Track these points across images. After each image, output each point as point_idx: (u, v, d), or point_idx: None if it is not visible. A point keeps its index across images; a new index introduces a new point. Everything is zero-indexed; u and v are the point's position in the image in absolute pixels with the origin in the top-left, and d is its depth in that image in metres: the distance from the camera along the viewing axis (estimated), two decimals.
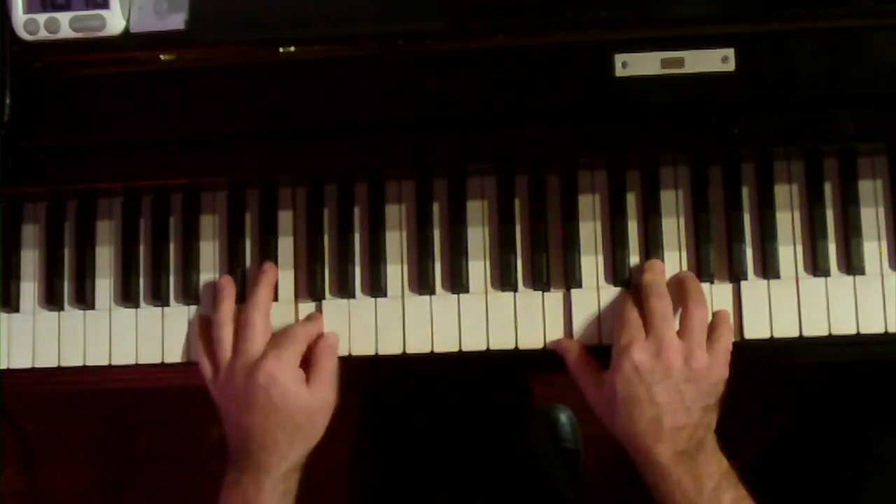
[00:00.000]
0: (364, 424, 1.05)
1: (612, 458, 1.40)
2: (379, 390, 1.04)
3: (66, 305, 0.90)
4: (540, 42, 0.80)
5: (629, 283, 0.84)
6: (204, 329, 0.86)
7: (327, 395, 0.82)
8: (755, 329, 0.83)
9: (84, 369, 0.89)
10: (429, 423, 1.00)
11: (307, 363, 0.83)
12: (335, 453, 0.92)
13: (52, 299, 0.90)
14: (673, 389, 0.76)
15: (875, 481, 0.89)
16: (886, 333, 0.82)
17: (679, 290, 0.82)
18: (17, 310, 0.91)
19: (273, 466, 0.80)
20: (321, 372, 0.83)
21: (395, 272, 0.87)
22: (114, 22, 0.81)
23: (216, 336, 0.84)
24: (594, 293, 0.85)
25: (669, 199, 0.85)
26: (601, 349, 0.83)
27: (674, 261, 0.85)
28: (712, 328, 0.81)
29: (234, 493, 0.80)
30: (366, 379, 0.83)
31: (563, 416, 1.52)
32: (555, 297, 0.85)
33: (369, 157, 0.83)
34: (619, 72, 0.79)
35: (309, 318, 0.87)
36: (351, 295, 0.87)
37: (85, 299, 0.89)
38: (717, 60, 0.78)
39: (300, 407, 0.80)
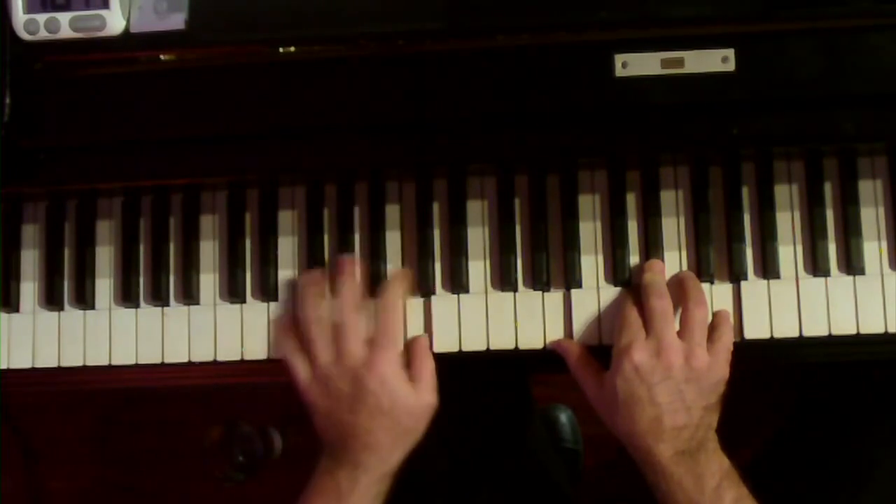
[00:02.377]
0: None
1: (612, 458, 1.40)
2: None
3: (66, 305, 0.90)
4: (540, 42, 0.80)
5: (629, 283, 0.84)
6: (290, 327, 0.83)
7: (430, 398, 0.81)
8: (755, 329, 0.83)
9: (84, 369, 0.89)
10: (429, 423, 1.00)
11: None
12: None
13: (52, 299, 0.90)
14: (673, 389, 0.76)
15: (874, 481, 0.89)
16: (886, 333, 0.82)
17: (679, 290, 0.82)
18: (17, 310, 0.91)
19: (372, 468, 0.79)
20: (423, 374, 0.81)
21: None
22: (114, 22, 0.81)
23: (314, 334, 0.81)
24: (594, 293, 0.85)
25: (669, 199, 0.85)
26: (601, 349, 0.83)
27: (674, 261, 0.85)
28: (712, 328, 0.81)
29: (328, 484, 0.79)
30: None
31: (563, 416, 1.52)
32: (555, 297, 0.85)
33: (369, 157, 0.83)
34: (619, 72, 0.79)
35: (391, 309, 0.83)
36: None
37: (85, 299, 0.89)
38: (717, 60, 0.78)
39: (408, 411, 0.80)
